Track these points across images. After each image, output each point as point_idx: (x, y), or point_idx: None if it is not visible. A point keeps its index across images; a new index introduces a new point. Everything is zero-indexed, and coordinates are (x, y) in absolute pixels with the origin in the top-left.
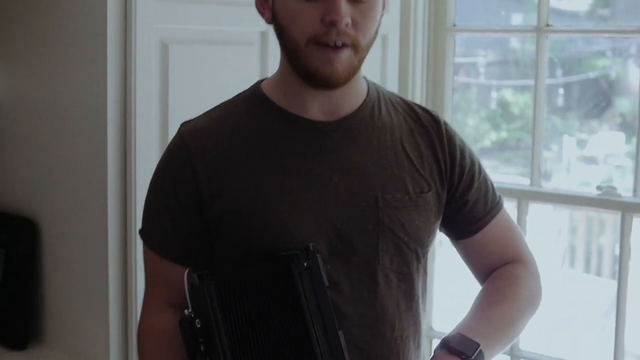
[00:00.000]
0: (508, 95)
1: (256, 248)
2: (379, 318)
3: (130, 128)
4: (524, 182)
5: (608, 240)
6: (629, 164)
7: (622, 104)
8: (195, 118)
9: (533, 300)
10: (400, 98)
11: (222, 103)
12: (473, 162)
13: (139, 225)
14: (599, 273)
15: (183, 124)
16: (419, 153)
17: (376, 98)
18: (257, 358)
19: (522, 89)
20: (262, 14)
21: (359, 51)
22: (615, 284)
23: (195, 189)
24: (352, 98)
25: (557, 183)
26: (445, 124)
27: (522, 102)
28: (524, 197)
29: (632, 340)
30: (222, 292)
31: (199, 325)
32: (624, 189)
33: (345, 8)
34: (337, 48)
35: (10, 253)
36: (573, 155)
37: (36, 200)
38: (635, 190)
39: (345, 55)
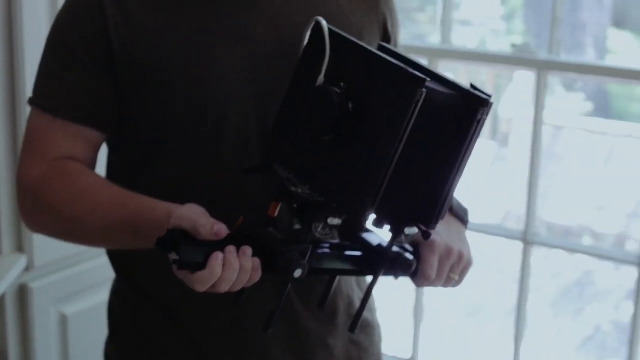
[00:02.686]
0: None
1: (177, 106)
2: None
3: None
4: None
5: None
6: (503, 26)
7: None
8: None
9: None
10: None
11: None
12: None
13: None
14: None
15: None
16: (349, 0)
17: None
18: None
19: None
20: None
21: None
22: (494, 144)
23: (106, 39)
24: None
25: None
26: None
27: None
28: (436, 55)
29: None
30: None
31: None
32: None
33: None
34: None
35: None
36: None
37: None
38: (550, 48)
39: None
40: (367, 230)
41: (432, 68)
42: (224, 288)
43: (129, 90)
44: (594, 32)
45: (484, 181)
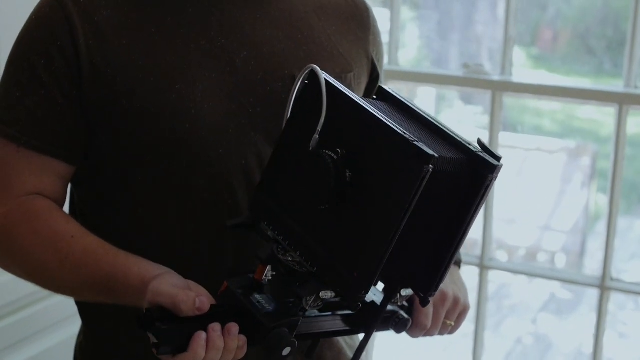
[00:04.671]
0: None
1: (151, 138)
2: None
3: None
4: None
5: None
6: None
7: None
8: None
9: None
10: None
11: None
12: None
13: None
14: None
15: None
16: (337, 29)
17: None
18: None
19: None
20: None
21: None
22: None
23: (75, 60)
24: None
25: None
26: (372, 9)
27: None
28: (387, 77)
29: None
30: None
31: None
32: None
33: None
34: None
35: None
36: None
37: None
38: (503, 68)
39: None
40: None
41: None
42: None
43: (97, 117)
44: (489, 46)
45: None
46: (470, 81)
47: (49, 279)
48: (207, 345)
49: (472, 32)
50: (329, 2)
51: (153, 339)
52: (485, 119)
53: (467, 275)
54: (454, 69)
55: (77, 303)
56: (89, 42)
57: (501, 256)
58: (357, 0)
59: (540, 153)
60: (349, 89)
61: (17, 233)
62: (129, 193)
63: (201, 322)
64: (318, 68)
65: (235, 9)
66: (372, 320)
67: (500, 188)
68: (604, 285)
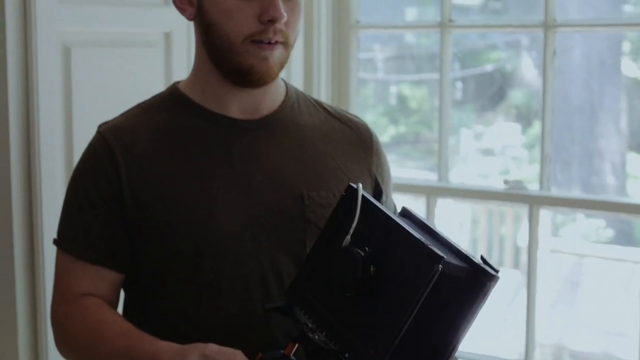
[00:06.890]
0: (405, 89)
1: (181, 247)
2: None
3: (33, 134)
4: (427, 176)
5: (509, 231)
6: (525, 154)
7: (516, 96)
8: (113, 119)
9: None
10: (320, 102)
11: (140, 103)
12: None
13: (46, 229)
14: (500, 264)
15: (101, 125)
16: (342, 152)
17: (296, 98)
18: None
19: (418, 83)
20: (182, 10)
21: (288, 48)
22: (517, 273)
23: (118, 186)
24: (272, 97)
25: (456, 176)
26: (375, 134)
27: (419, 96)
28: (433, 193)
29: (539, 330)
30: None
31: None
32: (526, 181)
33: (282, 6)
34: (271, 45)
35: None
36: (471, 147)
37: None
38: (541, 183)
39: (279, 52)
40: None
41: (431, 205)
42: None
43: (136, 232)
44: (612, 158)
45: (507, 310)
46: (508, 196)
47: (93, 357)
48: None
49: (595, 146)
50: (334, 130)
51: None
52: (609, 233)
53: None
54: (575, 186)
55: None
56: (129, 172)
57: None
58: (360, 127)
59: None
60: None
61: (71, 326)
62: (165, 293)
63: None
64: (359, 184)
65: (253, 139)
66: None
67: (609, 301)
68: None
